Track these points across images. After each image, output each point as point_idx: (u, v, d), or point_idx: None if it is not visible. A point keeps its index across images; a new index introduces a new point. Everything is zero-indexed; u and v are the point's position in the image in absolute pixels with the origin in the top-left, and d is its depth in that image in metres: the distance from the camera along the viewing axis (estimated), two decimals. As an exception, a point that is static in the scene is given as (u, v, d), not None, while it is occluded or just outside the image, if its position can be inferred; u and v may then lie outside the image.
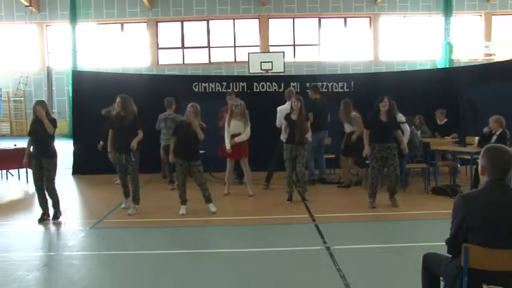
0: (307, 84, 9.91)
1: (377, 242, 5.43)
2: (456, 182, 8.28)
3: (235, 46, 22.47)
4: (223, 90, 10.34)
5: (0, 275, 4.39)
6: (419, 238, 5.37)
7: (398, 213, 6.61)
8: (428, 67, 19.71)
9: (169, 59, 22.57)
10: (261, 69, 18.00)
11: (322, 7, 22.00)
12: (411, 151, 7.87)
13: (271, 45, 22.07)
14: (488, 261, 2.64)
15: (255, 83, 10.77)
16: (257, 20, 22.31)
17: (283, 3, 22.04)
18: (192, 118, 6.45)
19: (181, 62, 22.53)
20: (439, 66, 20.60)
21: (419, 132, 9.07)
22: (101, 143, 8.47)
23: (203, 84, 10.70)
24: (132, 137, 6.52)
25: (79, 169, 10.33)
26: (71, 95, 12.35)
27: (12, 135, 21.82)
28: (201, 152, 6.91)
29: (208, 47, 22.56)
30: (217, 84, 10.70)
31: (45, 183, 6.29)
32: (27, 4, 21.35)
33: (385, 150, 6.72)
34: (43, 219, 6.33)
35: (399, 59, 22.11)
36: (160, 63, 22.52)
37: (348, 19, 22.44)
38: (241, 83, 10.74)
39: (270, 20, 22.33)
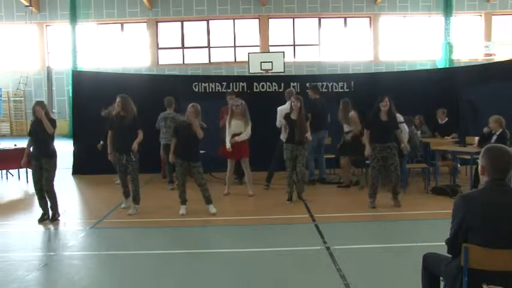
0: (307, 84, 9.90)
1: (377, 242, 5.43)
2: (456, 182, 8.28)
3: (235, 46, 22.46)
4: (223, 90, 10.34)
5: (0, 275, 4.39)
6: (419, 238, 5.37)
7: (398, 213, 6.61)
8: (428, 67, 19.70)
9: (169, 59, 22.56)
10: (261, 69, 17.99)
11: (322, 7, 22.00)
12: (411, 151, 7.87)
13: (271, 45, 22.06)
14: (488, 261, 2.64)
15: (255, 83, 10.77)
16: (257, 20, 22.31)
17: (283, 3, 22.04)
18: (192, 118, 6.45)
19: (181, 62, 22.52)
20: (439, 66, 20.59)
21: (419, 132, 9.06)
22: (101, 142, 8.47)
23: (203, 84, 10.69)
24: (132, 137, 6.53)
25: (79, 169, 10.34)
26: (71, 95, 12.35)
27: (12, 135, 21.82)
28: (201, 152, 6.91)
29: (208, 47, 22.56)
30: (217, 84, 10.69)
31: (44, 184, 6.29)
32: (27, 4, 21.34)
33: (386, 150, 6.73)
34: (43, 220, 6.34)
35: (399, 59, 22.10)
36: (160, 63, 22.52)
37: (348, 19, 22.43)
38: (241, 83, 10.73)
39: (270, 20, 22.32)
